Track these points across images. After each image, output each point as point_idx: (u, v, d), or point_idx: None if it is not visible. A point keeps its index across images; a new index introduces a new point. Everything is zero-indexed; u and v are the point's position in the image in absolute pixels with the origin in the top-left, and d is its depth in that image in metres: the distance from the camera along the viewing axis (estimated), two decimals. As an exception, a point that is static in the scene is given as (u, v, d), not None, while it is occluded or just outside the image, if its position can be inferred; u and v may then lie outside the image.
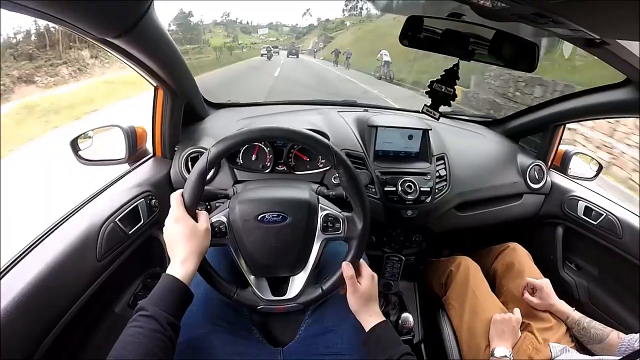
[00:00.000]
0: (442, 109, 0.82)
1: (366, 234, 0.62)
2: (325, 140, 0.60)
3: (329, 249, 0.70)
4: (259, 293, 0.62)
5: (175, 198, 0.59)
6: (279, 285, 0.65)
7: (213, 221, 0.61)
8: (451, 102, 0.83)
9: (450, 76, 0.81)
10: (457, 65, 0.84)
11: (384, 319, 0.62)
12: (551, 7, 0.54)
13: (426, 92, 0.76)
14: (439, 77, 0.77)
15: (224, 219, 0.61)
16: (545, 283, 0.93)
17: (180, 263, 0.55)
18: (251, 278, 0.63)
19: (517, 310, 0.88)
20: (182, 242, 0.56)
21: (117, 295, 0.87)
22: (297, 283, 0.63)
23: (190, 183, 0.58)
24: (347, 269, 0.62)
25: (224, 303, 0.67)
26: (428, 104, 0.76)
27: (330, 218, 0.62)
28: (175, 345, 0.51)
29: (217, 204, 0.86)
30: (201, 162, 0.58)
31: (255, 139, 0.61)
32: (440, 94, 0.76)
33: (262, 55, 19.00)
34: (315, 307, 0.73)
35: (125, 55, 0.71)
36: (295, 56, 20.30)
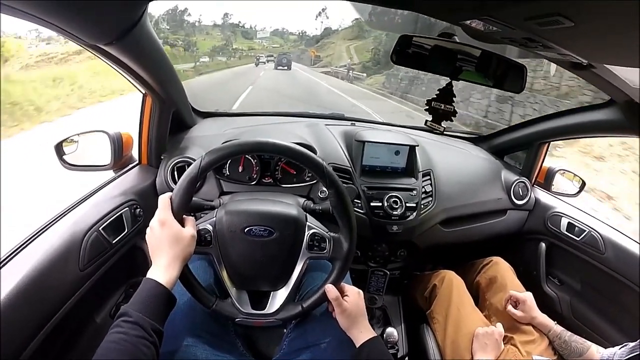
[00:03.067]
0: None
1: (351, 256, 0.62)
2: (320, 160, 0.60)
3: (313, 265, 0.70)
4: (238, 305, 0.61)
5: (163, 201, 0.58)
6: (260, 299, 0.65)
7: (199, 228, 0.60)
8: (452, 118, 0.86)
9: (446, 94, 0.83)
10: (450, 84, 0.86)
11: (375, 334, 0.63)
12: (542, 32, 0.55)
13: (426, 110, 0.78)
14: (435, 96, 0.79)
15: (210, 228, 0.60)
16: (528, 296, 0.94)
17: (164, 268, 0.54)
18: (232, 290, 0.62)
19: (499, 325, 0.89)
20: (166, 246, 0.55)
21: (99, 304, 0.85)
22: (277, 298, 0.63)
23: (180, 187, 0.57)
24: (331, 291, 0.62)
25: (208, 315, 0.66)
26: (429, 119, 0.78)
27: (316, 237, 0.62)
28: (159, 352, 0.50)
29: (201, 215, 0.85)
30: (193, 168, 0.57)
31: (250, 151, 0.62)
32: (441, 112, 0.78)
33: (256, 64, 17.29)
34: (298, 321, 0.72)
35: (115, 62, 0.71)
36: (285, 68, 16.40)
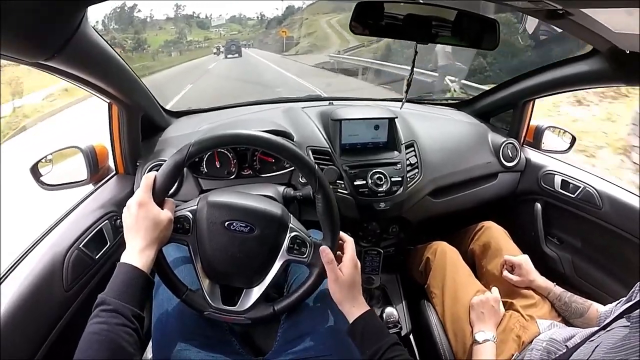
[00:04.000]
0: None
1: (334, 211, 0.60)
2: (311, 163, 0.58)
3: (293, 270, 0.68)
4: (208, 299, 0.60)
5: (146, 180, 0.56)
6: (232, 295, 0.63)
7: (178, 214, 0.58)
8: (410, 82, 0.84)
9: (413, 64, 0.81)
10: (416, 49, 0.84)
11: (369, 308, 0.60)
12: None
13: (406, 91, 0.76)
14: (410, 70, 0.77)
15: (190, 216, 0.58)
16: (524, 259, 0.92)
17: (139, 251, 0.52)
18: (205, 282, 0.61)
19: (495, 289, 0.87)
20: (143, 229, 0.53)
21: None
22: (250, 297, 0.61)
23: (164, 170, 0.55)
24: (326, 254, 0.58)
25: (199, 317, 0.65)
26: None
27: (297, 241, 0.60)
28: (142, 338, 0.49)
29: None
30: (181, 153, 0.55)
31: (238, 143, 0.59)
32: (408, 82, 0.77)
33: (214, 53, 15.36)
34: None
35: (64, 75, 0.68)
36: (236, 55, 14.43)
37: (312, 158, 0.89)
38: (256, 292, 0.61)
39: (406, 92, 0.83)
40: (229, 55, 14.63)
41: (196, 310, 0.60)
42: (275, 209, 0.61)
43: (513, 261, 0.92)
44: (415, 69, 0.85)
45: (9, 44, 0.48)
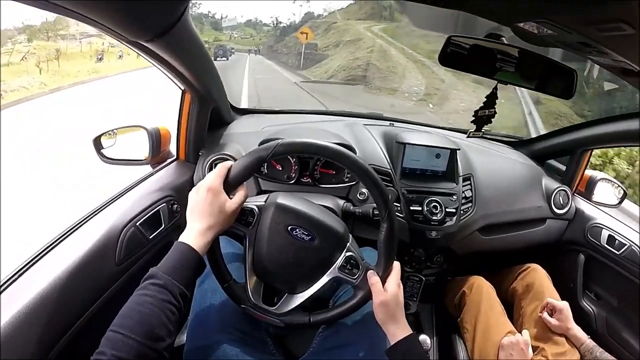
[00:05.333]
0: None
1: (395, 235, 0.61)
2: (387, 193, 0.59)
3: (342, 287, 0.69)
4: (250, 294, 0.60)
5: (220, 167, 0.57)
6: (272, 296, 0.65)
7: (245, 207, 0.59)
8: (492, 119, 0.83)
9: (491, 98, 0.80)
10: (496, 88, 0.84)
11: (411, 332, 0.60)
12: (600, 38, 0.53)
13: (472, 122, 0.76)
14: (482, 104, 0.76)
15: (256, 211, 0.59)
16: (565, 305, 0.92)
17: (198, 233, 0.53)
18: (252, 278, 0.61)
19: (525, 332, 0.87)
20: (207, 213, 0.54)
21: None
22: (290, 302, 0.62)
23: (244, 162, 0.56)
24: (372, 276, 0.60)
25: (240, 312, 0.66)
26: (472, 130, 0.76)
27: (352, 261, 0.60)
28: (184, 318, 0.50)
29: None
30: (265, 149, 0.56)
31: (326, 155, 0.59)
32: (484, 117, 0.76)
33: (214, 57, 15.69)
34: None
35: (155, 58, 0.70)
36: (224, 59, 13.33)
37: None
38: (297, 299, 0.61)
39: (478, 125, 0.83)
40: (217, 59, 14.53)
41: (235, 301, 0.61)
42: (339, 226, 0.62)
43: (555, 305, 0.92)
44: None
45: (118, 22, 0.51)
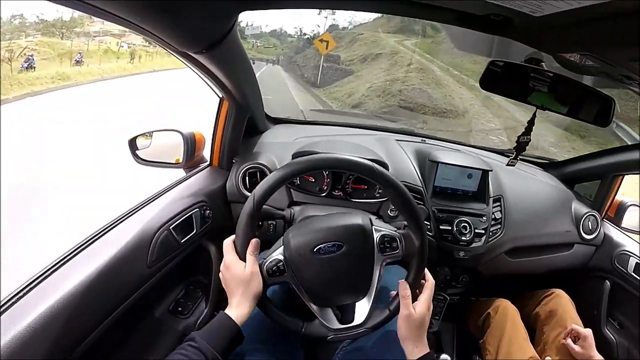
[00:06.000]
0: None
1: (425, 251, 0.61)
2: (419, 215, 0.60)
3: (390, 271, 0.69)
4: (325, 323, 0.61)
5: (226, 245, 0.62)
6: (345, 313, 0.65)
7: (269, 262, 0.60)
8: (527, 146, 0.83)
9: (530, 124, 0.80)
10: (534, 114, 0.83)
11: (429, 350, 0.60)
12: None
13: (514, 148, 0.75)
14: (524, 130, 0.75)
15: (281, 257, 0.60)
16: (589, 333, 0.90)
17: (235, 306, 0.58)
18: (315, 309, 0.62)
19: (548, 359, 0.86)
20: (234, 287, 0.59)
21: (159, 300, 0.88)
22: (362, 308, 0.62)
23: (240, 229, 0.59)
24: (403, 288, 0.60)
25: (270, 323, 0.67)
26: (512, 157, 0.76)
27: (386, 239, 0.61)
28: None
29: (270, 223, 0.85)
30: (248, 206, 0.59)
31: (346, 169, 0.61)
32: (524, 144, 0.76)
33: None
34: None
35: (201, 69, 0.72)
36: None
37: None
38: (366, 302, 0.62)
39: (517, 151, 0.82)
40: None
41: (319, 339, 0.62)
42: (355, 218, 0.62)
43: (580, 332, 0.91)
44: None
45: (170, 33, 0.53)
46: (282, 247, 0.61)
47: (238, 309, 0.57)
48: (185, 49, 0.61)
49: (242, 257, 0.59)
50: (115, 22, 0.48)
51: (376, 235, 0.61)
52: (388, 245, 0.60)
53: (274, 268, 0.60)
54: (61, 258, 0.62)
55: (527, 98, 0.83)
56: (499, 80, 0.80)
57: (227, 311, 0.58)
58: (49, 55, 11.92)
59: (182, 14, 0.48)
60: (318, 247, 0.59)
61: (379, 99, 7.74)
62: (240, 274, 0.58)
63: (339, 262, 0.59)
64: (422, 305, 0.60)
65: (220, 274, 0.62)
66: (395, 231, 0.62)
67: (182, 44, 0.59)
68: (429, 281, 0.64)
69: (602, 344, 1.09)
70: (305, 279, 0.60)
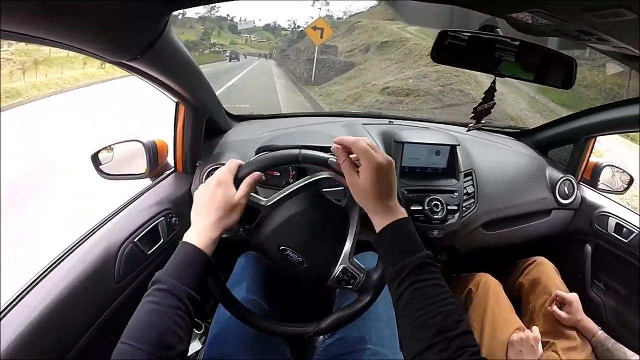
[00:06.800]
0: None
1: (381, 287, 0.58)
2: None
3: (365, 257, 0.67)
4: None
5: (231, 162, 0.55)
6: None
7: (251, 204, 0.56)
8: (491, 111, 0.82)
9: (490, 93, 0.79)
10: (494, 82, 0.82)
11: (403, 216, 0.48)
12: (599, 25, 0.51)
13: (472, 117, 0.74)
14: (481, 100, 0.74)
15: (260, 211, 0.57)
16: (574, 297, 0.90)
17: (204, 229, 0.50)
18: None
19: (535, 329, 0.85)
20: (214, 207, 0.51)
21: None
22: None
23: (258, 162, 0.55)
24: (337, 148, 0.52)
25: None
26: (472, 124, 0.75)
27: (348, 274, 0.57)
28: (193, 322, 0.47)
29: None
30: (289, 154, 0.54)
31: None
32: (484, 110, 0.75)
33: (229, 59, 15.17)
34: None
35: (143, 75, 0.69)
36: (236, 60, 12.91)
37: None
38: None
39: (477, 118, 0.81)
40: (231, 60, 15.07)
41: (299, 337, 0.60)
42: (329, 245, 0.58)
43: (564, 297, 0.91)
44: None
45: (97, 44, 0.50)
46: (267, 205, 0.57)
47: (207, 234, 0.49)
48: (118, 58, 0.58)
49: (238, 183, 0.53)
50: (37, 44, 0.45)
51: (337, 269, 0.57)
52: (345, 280, 0.57)
53: (247, 214, 0.55)
54: (28, 284, 0.60)
55: (491, 69, 0.82)
56: (455, 50, 0.79)
57: (189, 238, 0.49)
58: (23, 66, 10.73)
59: (108, 25, 0.46)
60: (286, 249, 0.57)
61: (405, 104, 6.14)
62: (228, 198, 0.51)
63: (296, 269, 0.57)
64: (367, 164, 0.50)
65: (201, 187, 0.54)
66: (364, 268, 0.58)
67: (113, 54, 0.55)
68: (354, 142, 0.52)
69: (589, 307, 1.10)
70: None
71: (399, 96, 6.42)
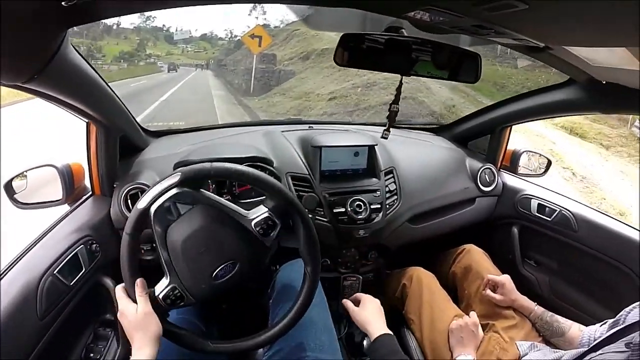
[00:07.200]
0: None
1: (314, 238, 0.62)
2: (287, 193, 0.60)
3: (293, 265, 0.70)
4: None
5: (117, 291, 0.61)
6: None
7: (163, 290, 0.59)
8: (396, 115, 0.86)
9: (398, 94, 0.82)
10: (400, 82, 0.86)
11: (387, 332, 0.72)
12: (493, 18, 0.53)
13: (387, 118, 0.78)
14: (393, 99, 0.78)
15: (178, 289, 0.59)
16: (506, 279, 0.94)
17: (137, 350, 0.56)
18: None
19: (472, 314, 0.88)
20: (132, 332, 0.57)
21: (68, 351, 0.82)
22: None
23: (124, 264, 0.58)
24: (347, 306, 0.80)
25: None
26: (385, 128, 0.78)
27: (261, 223, 0.61)
28: None
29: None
30: (126, 229, 0.58)
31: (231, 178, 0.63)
32: (394, 113, 0.78)
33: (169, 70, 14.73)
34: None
35: (43, 96, 0.66)
36: (174, 71, 12.98)
37: (292, 184, 0.90)
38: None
39: (389, 122, 0.85)
40: (169, 71, 14.52)
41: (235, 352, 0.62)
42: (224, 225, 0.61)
43: (496, 280, 0.94)
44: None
45: None
46: (175, 276, 0.59)
47: (140, 353, 0.56)
48: (11, 81, 0.55)
49: (134, 299, 0.58)
50: None
51: (251, 225, 0.60)
52: (265, 227, 0.60)
53: (171, 297, 0.58)
54: None
55: (407, 69, 0.86)
56: (352, 53, 0.81)
57: (132, 358, 0.56)
58: None
59: None
60: (215, 272, 0.58)
61: (357, 115, 6.08)
62: (133, 319, 0.57)
63: (239, 277, 0.59)
64: (362, 308, 0.79)
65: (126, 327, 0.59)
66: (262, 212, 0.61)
67: (7, 76, 0.53)
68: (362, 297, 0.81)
69: (524, 284, 1.16)
70: (209, 302, 0.60)
71: (348, 107, 6.30)
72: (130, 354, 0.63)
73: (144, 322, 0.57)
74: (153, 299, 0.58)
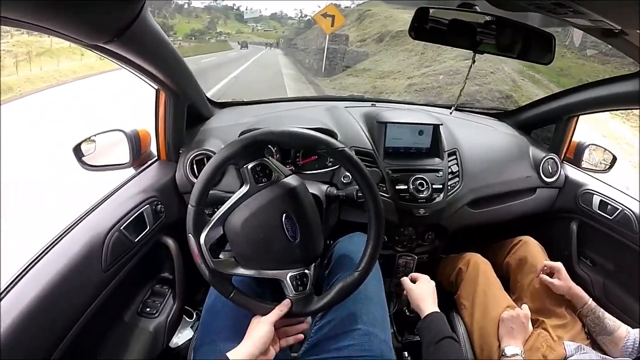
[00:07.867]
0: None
1: (381, 212, 0.61)
2: (364, 169, 0.59)
3: (352, 239, 0.70)
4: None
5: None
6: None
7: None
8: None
9: (469, 72, 0.80)
10: (473, 60, 0.84)
11: (437, 310, 0.76)
12: None
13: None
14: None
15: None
16: (561, 266, 0.91)
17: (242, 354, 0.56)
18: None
19: (525, 306, 0.86)
20: (255, 341, 0.57)
21: (125, 304, 0.86)
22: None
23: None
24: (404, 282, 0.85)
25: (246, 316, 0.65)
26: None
27: (304, 279, 0.61)
28: None
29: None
30: (192, 200, 0.58)
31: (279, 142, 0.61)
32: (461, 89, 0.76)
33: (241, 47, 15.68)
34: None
35: (120, 59, 0.68)
36: (246, 48, 12.97)
37: None
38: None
39: (457, 101, 0.82)
40: (242, 49, 15.80)
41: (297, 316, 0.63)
42: (319, 244, 0.64)
43: (552, 266, 0.91)
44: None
45: (72, 26, 0.49)
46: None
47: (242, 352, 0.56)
48: (94, 41, 0.57)
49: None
50: (12, 26, 0.44)
51: (304, 270, 0.60)
52: (296, 284, 0.60)
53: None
54: (15, 276, 0.59)
55: (472, 47, 0.84)
56: (435, 29, 0.80)
57: (234, 354, 0.55)
58: (26, 57, 10.19)
59: (83, 6, 0.45)
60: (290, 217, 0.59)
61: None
62: (258, 335, 0.58)
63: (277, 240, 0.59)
64: (418, 286, 0.84)
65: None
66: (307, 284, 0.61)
67: (89, 36, 0.55)
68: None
69: (577, 283, 1.11)
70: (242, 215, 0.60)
71: (429, 96, 5.61)
72: (183, 312, 0.70)
73: (266, 338, 0.58)
74: (219, 264, 0.59)
